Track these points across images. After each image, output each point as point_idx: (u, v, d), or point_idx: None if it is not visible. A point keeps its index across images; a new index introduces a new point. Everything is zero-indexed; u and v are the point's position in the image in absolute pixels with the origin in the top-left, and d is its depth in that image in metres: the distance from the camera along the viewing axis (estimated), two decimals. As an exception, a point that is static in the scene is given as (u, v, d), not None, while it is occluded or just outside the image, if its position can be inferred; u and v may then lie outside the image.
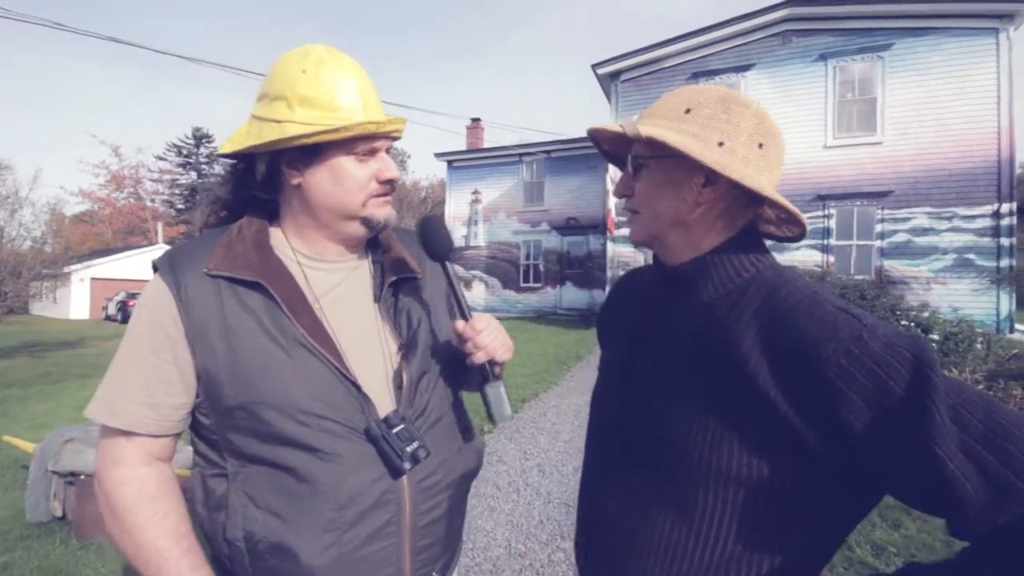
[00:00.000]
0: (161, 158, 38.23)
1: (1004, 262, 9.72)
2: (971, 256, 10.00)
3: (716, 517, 0.66)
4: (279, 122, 0.79)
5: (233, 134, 0.85)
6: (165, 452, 0.82)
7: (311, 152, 0.81)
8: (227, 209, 0.91)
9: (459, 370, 0.94)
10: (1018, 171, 10.10)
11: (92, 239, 35.55)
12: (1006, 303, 9.74)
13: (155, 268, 0.82)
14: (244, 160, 0.87)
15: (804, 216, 0.73)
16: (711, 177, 0.70)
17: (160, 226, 28.15)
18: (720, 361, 0.66)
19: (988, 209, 9.87)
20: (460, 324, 0.88)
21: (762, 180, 0.68)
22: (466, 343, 0.87)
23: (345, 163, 0.82)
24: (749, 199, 0.73)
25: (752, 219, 0.76)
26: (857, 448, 0.57)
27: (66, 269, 18.63)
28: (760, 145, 0.70)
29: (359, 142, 0.82)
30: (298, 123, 0.78)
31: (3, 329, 14.33)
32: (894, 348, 0.56)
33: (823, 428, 0.59)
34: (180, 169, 39.00)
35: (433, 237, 0.92)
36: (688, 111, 0.71)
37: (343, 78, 0.81)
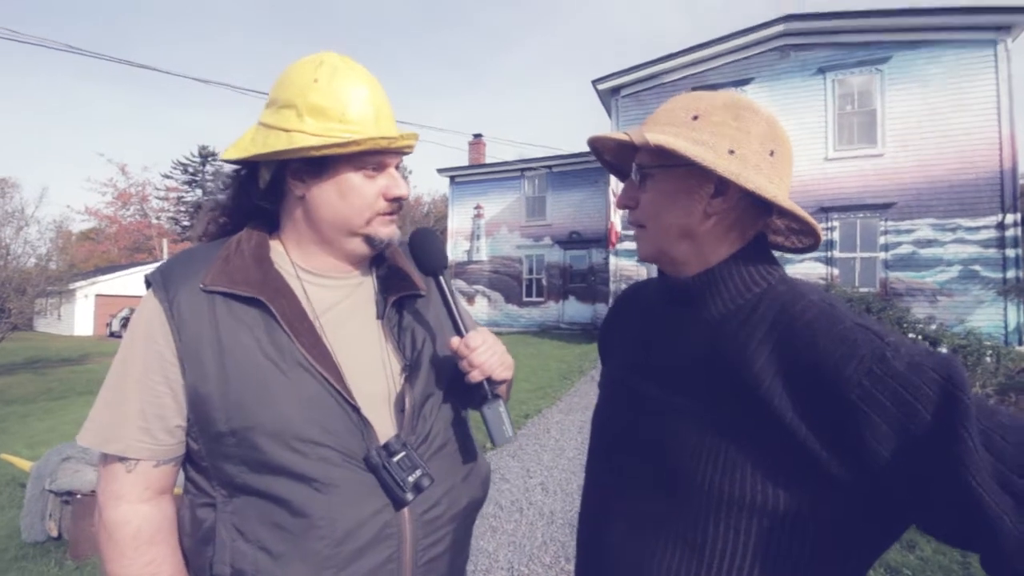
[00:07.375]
0: (167, 176, 38.73)
1: (1011, 273, 9.63)
2: (977, 267, 9.92)
3: (728, 549, 0.62)
4: (287, 131, 0.76)
5: (238, 140, 0.82)
6: (166, 482, 0.78)
7: (318, 164, 0.77)
8: (227, 216, 0.88)
9: (465, 392, 0.90)
10: (1021, 182, 10.03)
11: (98, 256, 35.74)
12: (1014, 315, 9.63)
13: (148, 283, 0.78)
14: (247, 166, 0.84)
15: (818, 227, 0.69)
16: (721, 187, 0.67)
17: (165, 243, 28.19)
18: (731, 381, 0.62)
19: (992, 220, 9.81)
20: (455, 341, 0.84)
21: (776, 189, 0.65)
22: (461, 361, 0.83)
23: (353, 178, 0.79)
24: (759, 209, 0.70)
25: (761, 230, 0.73)
26: (882, 476, 0.53)
27: (71, 286, 18.67)
28: (771, 152, 0.67)
29: (368, 157, 0.79)
30: (307, 134, 0.75)
31: (7, 346, 14.31)
32: (920, 368, 0.53)
33: (845, 454, 0.55)
34: (186, 187, 39.39)
35: (426, 250, 0.89)
36: (696, 118, 0.68)
37: (356, 89, 0.78)
